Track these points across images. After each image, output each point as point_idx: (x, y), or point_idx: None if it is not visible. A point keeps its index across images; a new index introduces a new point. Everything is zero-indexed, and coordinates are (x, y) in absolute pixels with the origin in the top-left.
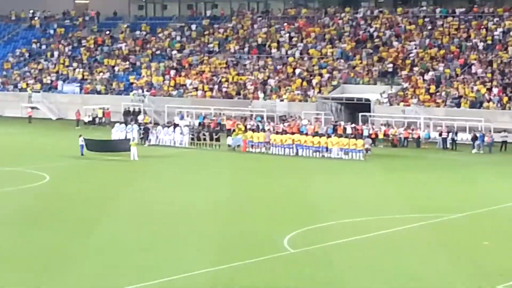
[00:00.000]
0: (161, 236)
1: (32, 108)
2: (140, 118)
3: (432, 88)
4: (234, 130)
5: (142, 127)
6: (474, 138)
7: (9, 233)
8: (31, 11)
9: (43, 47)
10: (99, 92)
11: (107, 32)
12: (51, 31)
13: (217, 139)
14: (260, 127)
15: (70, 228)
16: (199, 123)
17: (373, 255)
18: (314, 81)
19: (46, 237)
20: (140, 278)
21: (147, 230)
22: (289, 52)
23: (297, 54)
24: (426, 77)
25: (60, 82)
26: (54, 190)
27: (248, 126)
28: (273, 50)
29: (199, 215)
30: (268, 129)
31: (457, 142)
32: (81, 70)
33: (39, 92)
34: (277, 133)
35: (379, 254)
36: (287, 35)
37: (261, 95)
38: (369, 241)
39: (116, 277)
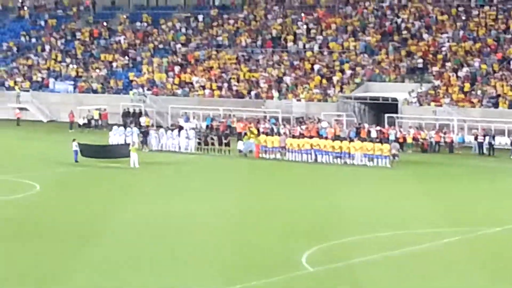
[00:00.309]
0: (163, 253)
1: (21, 109)
2: (142, 120)
3: (467, 86)
4: (245, 134)
5: (141, 131)
6: None
7: None
8: (20, 0)
9: (33, 40)
10: (95, 91)
11: (104, 24)
12: (42, 23)
13: (227, 144)
14: (275, 130)
15: (60, 243)
16: (207, 126)
17: (402, 275)
18: (335, 79)
19: (33, 253)
20: None
21: (148, 246)
22: (307, 46)
23: (316, 48)
24: (460, 73)
25: (51, 80)
26: (44, 201)
27: (261, 129)
28: (289, 44)
29: (207, 230)
30: (284, 133)
31: (494, 146)
32: (75, 66)
33: (28, 91)
34: (293, 137)
35: (408, 273)
36: (305, 26)
37: (275, 94)
38: (397, 259)
39: None
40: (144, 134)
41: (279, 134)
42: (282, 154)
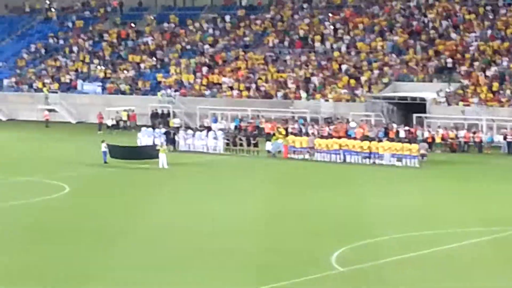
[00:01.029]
0: (191, 254)
1: (50, 110)
2: (176, 121)
3: (495, 85)
4: (274, 134)
5: (165, 132)
6: None
7: (22, 250)
8: (47, 2)
9: (61, 42)
10: (123, 92)
11: (132, 25)
12: (70, 24)
13: (255, 145)
14: (303, 130)
15: (90, 244)
16: (235, 127)
17: (431, 275)
18: (363, 79)
19: (62, 255)
20: None
21: (177, 247)
22: (335, 46)
23: (343, 48)
24: (488, 73)
25: (79, 81)
26: (73, 203)
27: (290, 130)
28: (317, 44)
29: (236, 230)
30: (312, 133)
31: None
32: (103, 67)
33: (56, 92)
34: (321, 137)
35: (437, 273)
36: (332, 26)
37: (303, 94)
38: (426, 259)
39: None
40: (167, 134)
41: (307, 134)
42: (310, 155)
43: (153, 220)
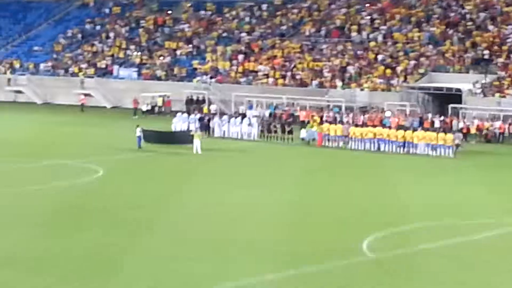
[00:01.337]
0: (222, 240)
1: (85, 95)
2: (213, 107)
3: None
4: (308, 122)
5: (200, 117)
6: None
7: (53, 234)
8: None
9: (98, 27)
10: (159, 78)
11: (169, 12)
12: (106, 10)
13: (290, 132)
14: (338, 119)
15: (121, 229)
16: (270, 114)
17: (461, 264)
18: (399, 69)
19: (93, 239)
20: (199, 285)
21: (209, 233)
22: (371, 36)
23: (380, 38)
24: None
25: (116, 67)
26: (107, 186)
27: (324, 118)
28: (353, 34)
29: (267, 217)
30: (347, 122)
31: None
32: (139, 53)
33: (92, 77)
34: (356, 125)
35: (468, 264)
36: (369, 17)
37: (339, 83)
38: (457, 248)
39: (173, 285)
40: (202, 120)
41: (342, 122)
42: (345, 143)
43: (185, 205)
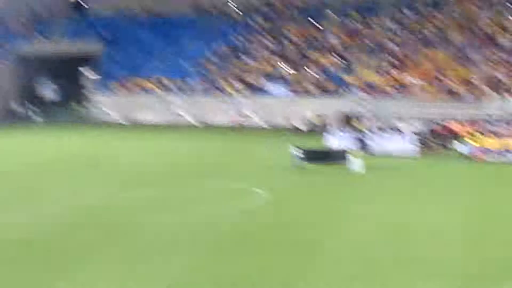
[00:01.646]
0: (397, 264)
1: (239, 114)
2: (367, 123)
3: None
4: (464, 136)
5: (357, 135)
6: None
7: (226, 259)
8: (232, 3)
9: (246, 43)
10: (309, 93)
11: (315, 23)
12: (254, 25)
13: (446, 146)
14: (496, 131)
15: (289, 252)
16: (427, 128)
17: None
18: None
19: (266, 265)
20: None
21: (376, 256)
22: None
23: None
24: None
25: (266, 83)
26: (268, 207)
27: (482, 130)
28: (501, 40)
29: (441, 239)
30: (508, 134)
31: None
32: (289, 68)
33: (244, 94)
34: None
35: None
36: None
37: (493, 93)
38: None
39: None
40: (358, 137)
41: (500, 135)
42: (505, 157)
43: (353, 226)
